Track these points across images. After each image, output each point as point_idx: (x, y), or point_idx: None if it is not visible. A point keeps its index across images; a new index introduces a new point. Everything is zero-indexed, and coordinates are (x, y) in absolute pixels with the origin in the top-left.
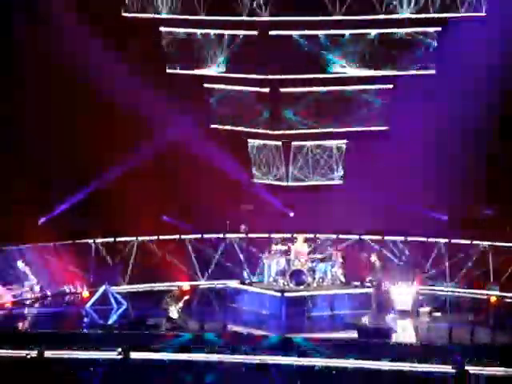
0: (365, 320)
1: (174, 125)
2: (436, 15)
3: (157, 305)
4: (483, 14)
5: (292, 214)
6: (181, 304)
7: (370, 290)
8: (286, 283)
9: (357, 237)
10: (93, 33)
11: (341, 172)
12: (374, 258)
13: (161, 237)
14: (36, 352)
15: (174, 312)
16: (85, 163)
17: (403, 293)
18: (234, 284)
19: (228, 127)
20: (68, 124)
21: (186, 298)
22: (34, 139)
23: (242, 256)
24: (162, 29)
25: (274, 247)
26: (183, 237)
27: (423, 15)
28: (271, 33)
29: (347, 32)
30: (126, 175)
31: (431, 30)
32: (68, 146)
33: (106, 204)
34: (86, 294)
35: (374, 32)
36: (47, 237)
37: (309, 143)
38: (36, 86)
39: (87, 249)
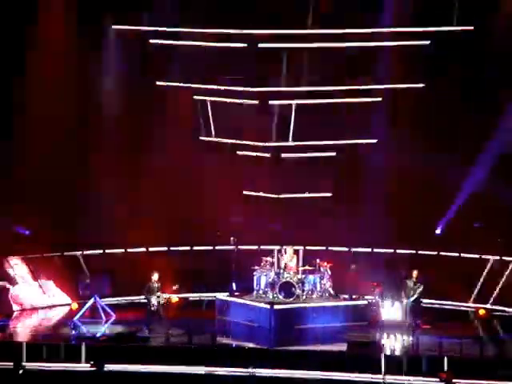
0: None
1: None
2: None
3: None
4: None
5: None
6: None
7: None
8: (275, 295)
9: (346, 249)
10: None
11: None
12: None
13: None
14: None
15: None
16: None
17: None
18: (222, 296)
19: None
20: None
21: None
22: None
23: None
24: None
25: (264, 259)
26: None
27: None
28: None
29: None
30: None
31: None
32: None
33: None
34: (74, 305)
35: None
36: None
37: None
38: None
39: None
